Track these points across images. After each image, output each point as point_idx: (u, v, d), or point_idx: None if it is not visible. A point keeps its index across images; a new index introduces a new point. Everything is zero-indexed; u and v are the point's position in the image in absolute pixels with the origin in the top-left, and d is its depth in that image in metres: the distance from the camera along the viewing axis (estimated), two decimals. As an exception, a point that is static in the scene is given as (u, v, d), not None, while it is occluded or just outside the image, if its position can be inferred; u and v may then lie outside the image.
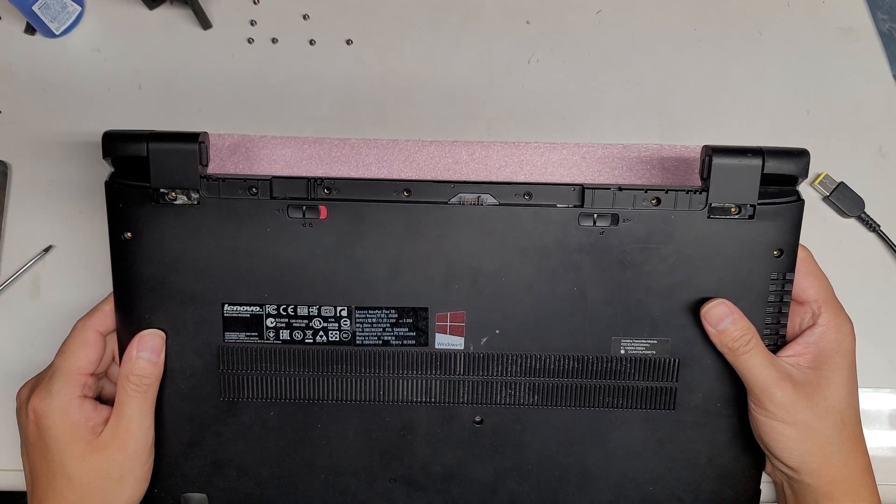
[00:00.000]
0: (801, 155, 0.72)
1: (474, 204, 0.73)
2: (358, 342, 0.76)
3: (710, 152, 0.72)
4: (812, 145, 0.81)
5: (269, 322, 0.76)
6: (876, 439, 0.86)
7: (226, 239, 0.74)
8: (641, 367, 0.77)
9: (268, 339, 0.76)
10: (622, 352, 0.76)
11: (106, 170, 0.78)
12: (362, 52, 0.87)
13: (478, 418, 0.78)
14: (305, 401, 0.78)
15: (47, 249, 0.85)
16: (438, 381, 0.77)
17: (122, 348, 0.76)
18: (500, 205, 0.73)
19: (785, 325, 0.76)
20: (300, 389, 0.78)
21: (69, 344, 0.75)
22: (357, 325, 0.76)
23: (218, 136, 0.85)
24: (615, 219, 0.73)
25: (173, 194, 0.73)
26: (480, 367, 0.77)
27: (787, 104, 0.87)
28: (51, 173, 0.85)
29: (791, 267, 0.74)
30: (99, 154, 0.79)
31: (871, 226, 0.86)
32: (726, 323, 0.73)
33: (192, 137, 0.72)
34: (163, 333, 0.76)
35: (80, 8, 0.86)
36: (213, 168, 0.84)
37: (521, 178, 0.84)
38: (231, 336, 0.76)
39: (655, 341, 0.76)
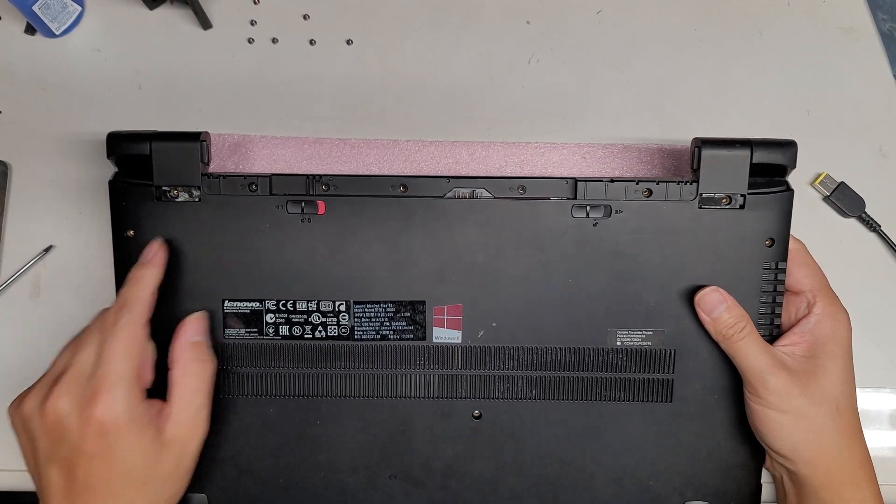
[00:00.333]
0: (788, 145, 0.77)
1: (469, 198, 0.78)
2: (356, 337, 0.80)
3: (700, 144, 0.77)
4: (812, 145, 0.87)
5: (269, 318, 0.80)
6: (876, 439, 0.89)
7: (226, 235, 0.78)
8: (638, 359, 0.81)
9: (267, 334, 0.80)
10: (618, 343, 0.80)
11: (107, 169, 0.82)
12: (362, 52, 0.91)
13: (476, 413, 0.82)
14: (305, 397, 0.81)
15: (47, 249, 0.88)
16: (436, 376, 0.81)
17: None
18: (494, 198, 0.78)
19: (780, 315, 0.80)
20: (299, 385, 0.81)
21: (127, 345, 0.73)
22: (355, 319, 0.80)
23: (218, 135, 0.88)
24: (608, 210, 0.78)
25: (175, 192, 0.78)
26: (478, 360, 0.81)
27: (787, 104, 0.91)
28: (51, 173, 0.89)
29: (783, 256, 0.78)
30: (99, 154, 0.84)
31: (872, 226, 0.89)
32: (720, 310, 0.77)
33: (194, 137, 0.77)
34: (207, 313, 0.79)
35: (80, 8, 0.89)
36: (214, 168, 0.87)
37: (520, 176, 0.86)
38: (231, 332, 0.80)
39: (651, 332, 0.80)
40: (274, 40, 0.91)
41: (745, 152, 0.76)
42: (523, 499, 0.84)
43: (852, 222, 0.90)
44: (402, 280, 0.80)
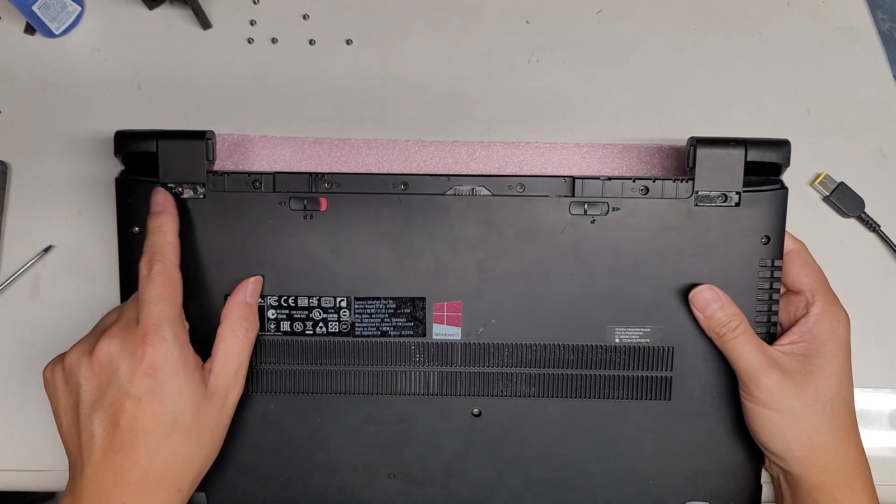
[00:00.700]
0: (782, 144, 0.81)
1: (469, 195, 0.82)
2: (357, 333, 0.84)
3: (695, 142, 0.81)
4: (812, 145, 0.90)
5: (271, 314, 0.84)
6: (876, 439, 0.92)
7: (229, 231, 0.82)
8: (636, 356, 0.84)
9: (269, 330, 0.84)
10: (616, 340, 0.84)
11: (107, 169, 0.86)
12: (362, 52, 0.94)
13: (476, 410, 0.86)
14: (305, 394, 0.85)
15: (47, 249, 0.92)
16: (436, 373, 0.85)
17: None
18: (493, 196, 0.82)
19: (776, 312, 0.83)
20: (300, 382, 0.85)
21: (166, 288, 0.77)
22: (356, 315, 0.84)
23: (218, 135, 0.91)
24: (605, 208, 0.82)
25: (180, 189, 0.82)
26: (477, 357, 0.85)
27: (786, 104, 0.94)
28: (51, 173, 0.92)
29: (778, 254, 0.82)
30: (99, 154, 0.87)
31: (872, 226, 0.93)
32: (714, 308, 0.80)
33: (200, 135, 0.82)
34: (261, 279, 0.84)
35: (79, 8, 0.93)
36: (214, 168, 0.88)
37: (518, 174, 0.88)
38: None
39: (649, 329, 0.84)
40: (274, 40, 0.94)
41: (740, 151, 0.80)
42: (522, 497, 0.87)
43: (852, 222, 0.94)
44: (402, 276, 0.84)
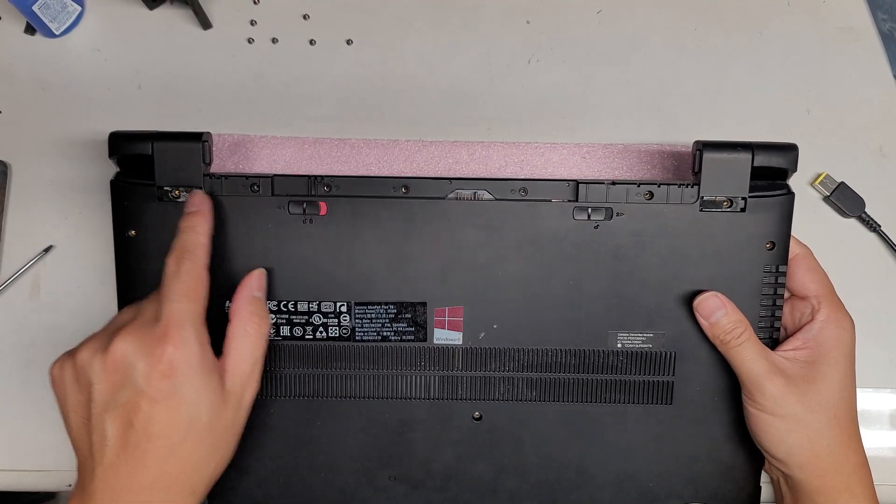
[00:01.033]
0: (790, 149, 0.78)
1: (471, 199, 0.79)
2: (357, 338, 0.81)
3: (701, 147, 0.78)
4: (812, 145, 0.87)
5: (270, 318, 0.81)
6: (876, 439, 0.90)
7: (227, 235, 0.79)
8: (638, 361, 0.82)
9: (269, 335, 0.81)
10: (619, 345, 0.81)
11: (107, 170, 0.83)
12: (362, 52, 0.91)
13: (476, 414, 0.83)
14: (305, 398, 0.82)
15: (47, 249, 0.89)
16: (437, 377, 0.82)
17: None
18: (496, 200, 0.79)
19: (780, 318, 0.81)
20: (300, 386, 0.82)
21: (192, 286, 0.73)
22: (356, 320, 0.81)
23: (218, 135, 0.89)
24: (609, 213, 0.79)
25: (177, 192, 0.79)
26: (479, 361, 0.82)
27: (787, 104, 0.92)
28: (51, 173, 0.90)
29: (784, 260, 0.79)
30: (99, 154, 0.85)
31: (872, 226, 0.90)
32: (718, 315, 0.78)
33: (196, 137, 0.79)
34: (265, 271, 0.80)
35: (80, 8, 0.90)
36: (214, 168, 0.88)
37: (521, 178, 0.86)
38: None
39: (651, 335, 0.81)
40: (274, 40, 0.91)
41: (747, 155, 0.78)
42: (523, 501, 0.85)
43: (852, 222, 0.91)
44: (403, 281, 0.80)
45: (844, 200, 0.90)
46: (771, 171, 0.79)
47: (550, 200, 0.79)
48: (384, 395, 0.83)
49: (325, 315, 0.81)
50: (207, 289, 0.74)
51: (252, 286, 0.78)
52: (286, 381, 0.83)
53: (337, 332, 0.82)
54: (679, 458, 0.84)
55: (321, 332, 0.82)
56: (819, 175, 0.91)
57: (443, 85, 0.92)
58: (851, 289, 0.85)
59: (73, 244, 0.90)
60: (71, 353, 0.73)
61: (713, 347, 0.80)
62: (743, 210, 0.79)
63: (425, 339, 0.82)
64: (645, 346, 0.81)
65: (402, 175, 0.89)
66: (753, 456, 0.84)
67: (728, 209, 0.79)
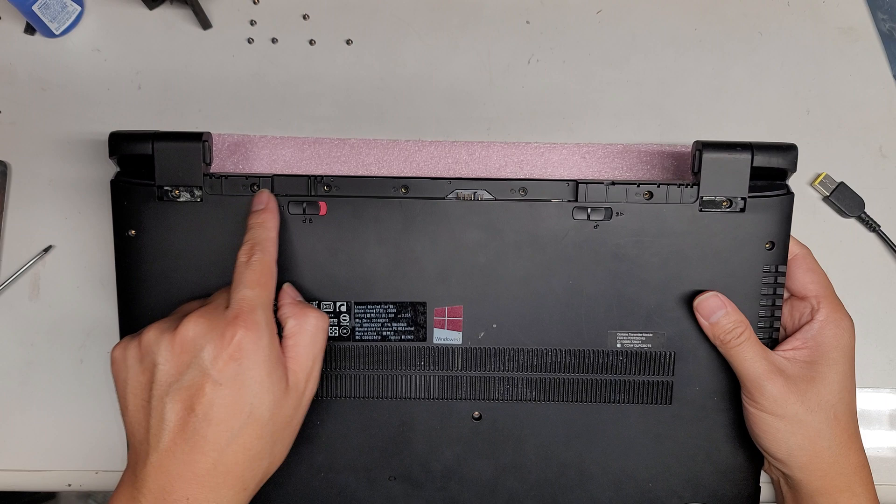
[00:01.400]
0: (789, 149, 0.78)
1: (471, 199, 0.79)
2: (357, 337, 0.81)
3: (701, 147, 0.78)
4: (812, 145, 0.87)
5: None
6: (876, 439, 0.90)
7: (227, 235, 0.79)
8: (638, 361, 0.81)
9: None
10: (618, 345, 0.81)
11: (107, 170, 0.83)
12: (362, 52, 0.91)
13: (476, 414, 0.83)
14: None
15: (47, 249, 0.89)
16: (437, 377, 0.82)
17: None
18: (496, 200, 0.79)
19: (779, 318, 0.80)
20: None
21: (263, 275, 0.73)
22: (356, 319, 0.81)
23: (218, 135, 0.89)
24: (608, 213, 0.79)
25: (177, 192, 0.78)
26: (478, 361, 0.82)
27: (787, 104, 0.91)
28: (51, 173, 0.89)
29: (783, 260, 0.79)
30: (99, 154, 0.85)
31: (872, 226, 0.90)
32: (719, 315, 0.78)
33: (196, 137, 0.78)
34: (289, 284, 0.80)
35: (79, 8, 0.90)
36: (214, 168, 0.88)
37: (521, 178, 0.87)
38: None
39: (651, 334, 0.81)
40: (274, 40, 0.91)
41: (746, 156, 0.77)
42: (522, 500, 0.84)
43: (852, 222, 0.91)
44: (402, 281, 0.80)
45: (844, 200, 0.90)
46: (770, 171, 0.79)
47: (550, 200, 0.79)
48: (384, 395, 0.83)
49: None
50: (275, 279, 0.75)
51: (291, 293, 0.78)
52: (286, 382, 0.82)
53: (337, 331, 0.81)
54: (679, 458, 0.84)
55: (321, 332, 0.81)
56: (819, 175, 0.90)
57: (443, 85, 0.92)
58: (851, 289, 0.86)
59: (72, 244, 0.90)
60: (135, 335, 0.73)
61: (713, 347, 0.80)
62: (742, 210, 0.78)
63: (425, 339, 0.82)
64: (644, 346, 0.81)
65: (402, 175, 0.89)
66: (753, 456, 0.84)
67: (728, 209, 0.79)
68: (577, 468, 0.84)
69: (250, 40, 0.91)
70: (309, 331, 0.74)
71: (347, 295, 0.81)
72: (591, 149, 0.90)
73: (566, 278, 0.80)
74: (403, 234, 0.79)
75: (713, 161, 0.78)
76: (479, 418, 0.83)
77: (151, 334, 0.71)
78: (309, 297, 0.80)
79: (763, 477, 0.85)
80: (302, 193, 0.79)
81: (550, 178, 0.89)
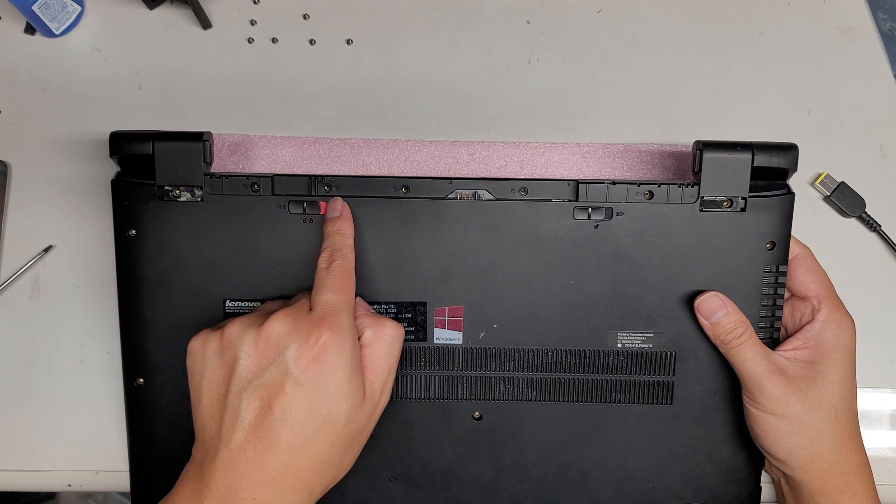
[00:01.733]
0: (790, 149, 0.78)
1: (471, 199, 0.79)
2: None
3: (701, 146, 0.78)
4: (812, 145, 0.87)
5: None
6: (876, 439, 0.90)
7: (228, 235, 0.79)
8: (638, 361, 0.81)
9: None
10: (619, 345, 0.81)
11: (107, 169, 0.83)
12: (362, 52, 0.91)
13: (477, 414, 0.82)
14: None
15: (47, 249, 0.89)
16: (437, 377, 0.82)
17: (125, 344, 0.80)
18: (496, 200, 0.79)
19: (780, 318, 0.80)
20: None
21: (345, 280, 0.73)
22: None
23: (218, 135, 0.89)
24: (609, 212, 0.78)
25: (177, 192, 0.78)
26: (479, 361, 0.81)
27: (787, 104, 0.91)
28: (51, 173, 0.89)
29: (784, 260, 0.79)
30: (99, 154, 0.85)
31: (872, 226, 0.90)
32: (719, 315, 0.78)
33: (197, 136, 0.78)
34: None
35: (79, 8, 0.90)
36: (214, 168, 0.87)
37: (521, 178, 0.86)
38: None
39: (652, 334, 0.81)
40: (274, 40, 0.91)
41: (747, 155, 0.77)
42: (523, 501, 0.84)
43: (852, 222, 0.91)
44: (403, 281, 0.80)
45: (844, 200, 0.90)
46: (771, 171, 0.79)
47: (550, 200, 0.79)
48: None
49: (326, 315, 0.80)
50: (354, 285, 0.75)
51: (364, 304, 0.79)
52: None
53: (337, 331, 0.80)
54: (679, 458, 0.83)
55: (321, 332, 0.81)
56: (819, 175, 0.90)
57: (443, 85, 0.91)
58: (851, 289, 0.86)
59: (72, 244, 0.90)
60: (215, 329, 0.72)
61: (713, 347, 0.80)
62: (743, 210, 0.78)
63: (425, 339, 0.81)
64: (645, 345, 0.81)
65: (403, 175, 0.89)
66: (754, 456, 0.84)
67: (728, 209, 0.79)
68: (577, 468, 0.84)
69: (250, 40, 0.91)
70: (386, 341, 0.74)
71: (348, 295, 0.80)
72: (592, 149, 0.90)
73: (567, 278, 0.80)
74: (404, 234, 0.79)
75: (714, 161, 0.78)
76: (480, 418, 0.83)
77: (235, 328, 0.70)
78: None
79: (764, 477, 0.85)
80: (302, 193, 0.79)
81: (551, 177, 0.89)
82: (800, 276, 0.81)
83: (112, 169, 0.81)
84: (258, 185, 0.78)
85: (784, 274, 0.80)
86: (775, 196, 0.78)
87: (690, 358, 0.81)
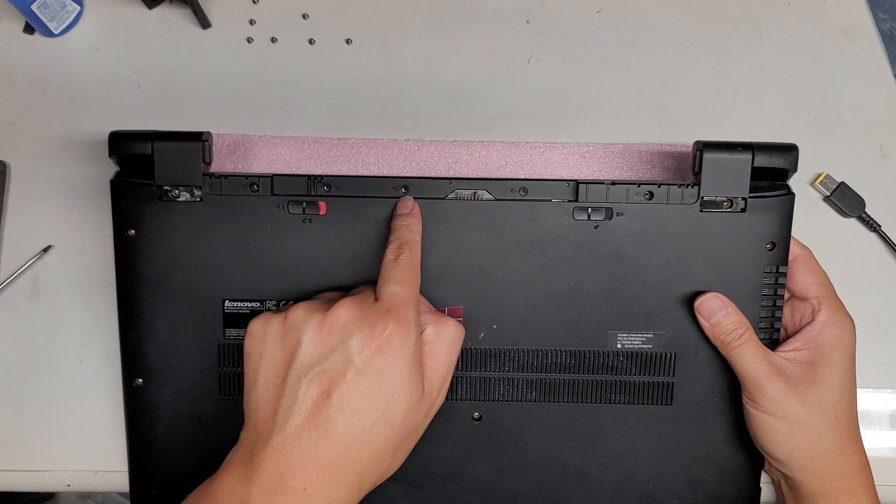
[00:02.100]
0: (790, 149, 0.78)
1: (471, 199, 0.79)
2: None
3: (702, 147, 0.77)
4: (812, 145, 0.87)
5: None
6: (876, 439, 0.90)
7: (227, 235, 0.79)
8: (638, 362, 0.81)
9: None
10: (619, 346, 0.81)
11: (106, 169, 0.83)
12: (362, 52, 0.91)
13: (476, 415, 0.82)
14: None
15: (47, 249, 0.89)
16: (437, 377, 0.82)
17: (125, 344, 0.80)
18: (496, 200, 0.79)
19: (780, 319, 0.80)
20: None
21: (412, 274, 0.72)
22: None
23: (218, 135, 0.89)
24: (609, 213, 0.78)
25: (176, 192, 0.78)
26: (478, 362, 0.81)
27: (787, 104, 0.91)
28: (51, 173, 0.89)
29: (784, 260, 0.79)
30: (98, 154, 0.84)
31: (872, 226, 0.90)
32: (719, 316, 0.77)
33: (196, 136, 0.78)
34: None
35: (79, 7, 0.90)
36: (213, 167, 0.87)
37: (521, 178, 0.86)
38: (231, 332, 0.80)
39: (652, 335, 0.80)
40: (273, 40, 0.91)
41: (747, 156, 0.77)
42: (522, 501, 0.84)
43: (852, 222, 0.91)
44: None
45: (844, 200, 0.90)
46: (771, 171, 0.78)
47: (550, 200, 0.79)
48: None
49: (325, 315, 0.80)
50: (419, 283, 0.74)
51: (426, 301, 0.78)
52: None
53: (336, 332, 0.80)
54: (679, 458, 0.83)
55: (320, 332, 0.80)
56: (819, 175, 0.90)
57: (443, 85, 0.91)
58: (851, 289, 0.85)
59: (72, 244, 0.90)
60: (280, 311, 0.71)
61: (713, 348, 0.80)
62: (743, 210, 0.78)
63: None
64: (645, 346, 0.81)
65: (402, 175, 0.89)
66: (753, 457, 0.83)
67: (728, 209, 0.78)
68: (577, 469, 0.83)
69: (250, 40, 0.91)
70: (447, 339, 0.73)
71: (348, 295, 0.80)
72: (592, 149, 0.90)
73: (566, 278, 0.80)
74: None
75: (714, 161, 0.77)
76: (480, 419, 0.83)
77: (300, 312, 0.69)
78: (309, 298, 0.79)
79: (763, 478, 0.85)
80: (302, 193, 0.78)
81: (551, 177, 0.89)
82: (800, 277, 0.80)
83: (111, 169, 0.81)
84: (257, 185, 0.78)
85: (784, 274, 0.79)
86: (775, 196, 0.78)
87: (690, 359, 0.81)
